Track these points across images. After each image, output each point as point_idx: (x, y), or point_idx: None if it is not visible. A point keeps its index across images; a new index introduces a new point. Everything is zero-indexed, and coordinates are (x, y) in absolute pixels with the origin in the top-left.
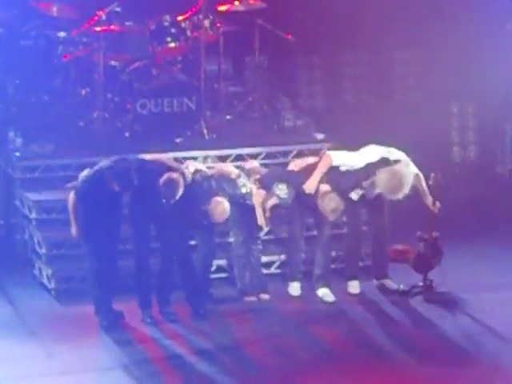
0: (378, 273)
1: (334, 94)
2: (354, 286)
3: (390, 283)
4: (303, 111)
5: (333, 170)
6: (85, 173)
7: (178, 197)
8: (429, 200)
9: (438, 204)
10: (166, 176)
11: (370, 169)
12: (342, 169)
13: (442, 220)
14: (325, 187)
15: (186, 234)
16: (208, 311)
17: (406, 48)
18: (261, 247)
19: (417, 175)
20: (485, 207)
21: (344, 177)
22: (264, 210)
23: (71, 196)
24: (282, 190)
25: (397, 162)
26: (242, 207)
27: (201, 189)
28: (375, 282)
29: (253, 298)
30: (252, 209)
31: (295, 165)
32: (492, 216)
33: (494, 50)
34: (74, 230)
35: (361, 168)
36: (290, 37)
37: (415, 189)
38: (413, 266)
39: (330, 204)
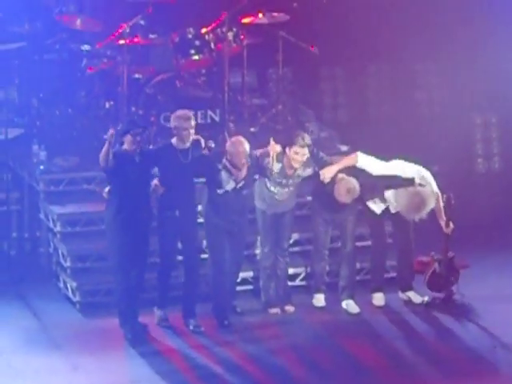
0: (403, 285)
1: (357, 105)
2: (378, 298)
3: (414, 295)
4: (327, 123)
5: (354, 169)
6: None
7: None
8: (443, 221)
9: (451, 225)
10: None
11: (393, 182)
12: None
13: (466, 231)
14: (341, 175)
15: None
16: (232, 323)
17: (429, 59)
18: (288, 259)
19: (437, 197)
20: (509, 218)
21: (363, 177)
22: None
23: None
24: None
25: (422, 185)
26: (272, 217)
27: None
28: (400, 294)
29: (277, 310)
30: (281, 217)
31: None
32: None
33: None
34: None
35: (383, 176)
36: (313, 49)
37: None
38: (427, 285)
39: (346, 184)
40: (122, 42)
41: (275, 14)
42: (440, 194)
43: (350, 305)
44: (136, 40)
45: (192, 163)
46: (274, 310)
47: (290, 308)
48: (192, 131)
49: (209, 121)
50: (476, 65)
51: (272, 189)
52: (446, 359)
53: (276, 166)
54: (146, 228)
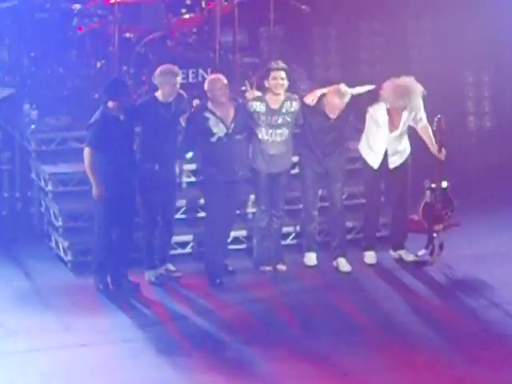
0: (396, 243)
1: (349, 64)
2: (370, 257)
3: (406, 253)
4: (319, 82)
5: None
6: (96, 117)
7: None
8: (434, 147)
9: (443, 151)
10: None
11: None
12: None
13: (458, 190)
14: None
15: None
16: (224, 282)
17: (421, 17)
18: (282, 220)
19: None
20: (501, 176)
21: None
22: None
23: (87, 152)
24: None
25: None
26: (267, 177)
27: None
28: (391, 252)
29: (269, 268)
30: (277, 177)
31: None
32: (509, 185)
33: (510, 19)
34: (97, 191)
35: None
36: (305, 7)
37: (422, 137)
38: (422, 216)
39: (336, 90)
40: (112, 0)
41: None
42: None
43: (341, 263)
44: None
45: (174, 117)
46: (267, 268)
47: (281, 267)
48: (177, 86)
49: (200, 79)
50: (469, 23)
51: (264, 137)
52: (437, 318)
53: (260, 107)
54: (131, 186)
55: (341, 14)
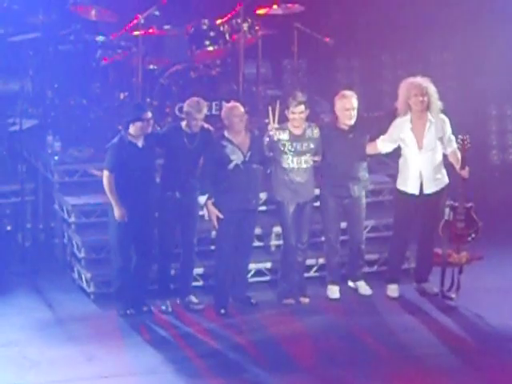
0: (420, 276)
1: (372, 96)
2: (393, 290)
3: (430, 286)
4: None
5: None
6: (114, 140)
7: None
8: (458, 164)
9: (467, 168)
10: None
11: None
12: None
13: (482, 223)
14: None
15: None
16: (247, 313)
17: (444, 50)
18: (306, 253)
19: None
20: None
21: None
22: None
23: (105, 175)
24: None
25: None
26: (294, 208)
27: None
28: (415, 285)
29: (291, 301)
30: (302, 209)
31: None
32: None
33: None
34: (118, 212)
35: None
36: (328, 40)
37: (452, 161)
38: (442, 234)
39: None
40: (136, 32)
41: (290, 5)
42: (454, 138)
43: (361, 286)
44: (151, 31)
45: (197, 149)
46: (289, 301)
47: (304, 299)
48: (201, 121)
49: (222, 111)
50: (493, 56)
51: (290, 164)
52: (460, 351)
53: (283, 135)
54: (149, 212)
55: (364, 46)
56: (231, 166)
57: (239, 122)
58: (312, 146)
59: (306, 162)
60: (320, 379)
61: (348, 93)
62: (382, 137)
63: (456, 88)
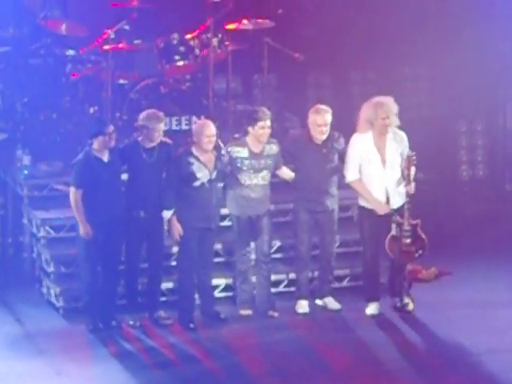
0: (394, 291)
1: (342, 112)
2: (372, 308)
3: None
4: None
5: None
6: (79, 156)
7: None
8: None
9: (412, 184)
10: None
11: None
12: None
13: (450, 238)
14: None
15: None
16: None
17: (414, 66)
18: (270, 266)
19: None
20: (494, 225)
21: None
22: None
23: (72, 192)
24: None
25: None
26: (247, 220)
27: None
28: (389, 299)
29: (248, 312)
30: (258, 221)
31: None
32: (501, 233)
33: (503, 69)
34: (84, 229)
35: None
36: (298, 56)
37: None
38: (387, 249)
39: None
40: (106, 47)
41: (260, 21)
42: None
43: (330, 301)
44: (121, 45)
45: (157, 163)
46: (246, 312)
47: (273, 313)
48: (161, 133)
49: (193, 126)
50: (462, 72)
51: (246, 181)
52: (429, 366)
53: (243, 152)
54: (116, 228)
55: (334, 63)
56: (197, 183)
57: (208, 143)
58: (270, 162)
59: (262, 178)
60: None
61: (322, 108)
62: (348, 174)
63: (426, 104)
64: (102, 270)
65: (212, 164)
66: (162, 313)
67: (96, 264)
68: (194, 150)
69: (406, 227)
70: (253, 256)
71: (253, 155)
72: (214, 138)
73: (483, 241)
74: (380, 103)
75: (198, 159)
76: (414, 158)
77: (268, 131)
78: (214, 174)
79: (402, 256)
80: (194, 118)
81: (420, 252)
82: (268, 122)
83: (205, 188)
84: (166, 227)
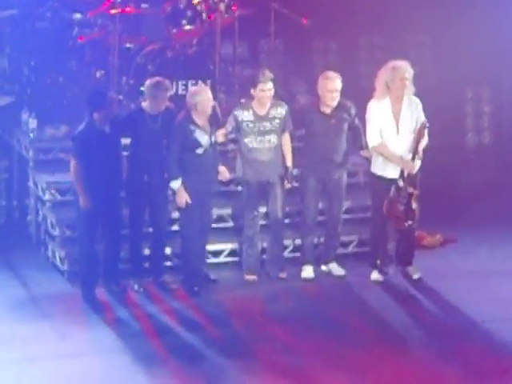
0: (403, 260)
1: (349, 78)
2: (376, 275)
3: (413, 270)
4: (318, 95)
5: None
6: (80, 128)
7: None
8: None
9: (416, 162)
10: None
11: None
12: None
13: (456, 206)
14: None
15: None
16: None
17: (421, 33)
18: (283, 232)
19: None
20: (500, 193)
21: None
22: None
23: (73, 164)
24: None
25: None
26: (257, 185)
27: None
28: (399, 268)
29: (253, 277)
30: (269, 188)
31: None
32: (507, 202)
33: (509, 35)
34: (83, 201)
35: None
36: (305, 21)
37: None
38: (385, 211)
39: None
40: (113, 11)
41: None
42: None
43: (334, 267)
44: (128, 9)
45: (162, 129)
46: (251, 277)
47: (282, 275)
48: (166, 100)
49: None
50: (469, 39)
51: (253, 144)
52: (435, 333)
53: (248, 115)
54: (116, 197)
55: (341, 28)
56: (200, 150)
57: (209, 107)
58: (277, 125)
59: (269, 141)
60: (280, 366)
61: (332, 74)
62: (371, 139)
63: (432, 70)
64: (104, 236)
65: (208, 128)
66: (167, 277)
67: (95, 236)
68: (195, 117)
69: (403, 194)
70: (261, 221)
71: (258, 118)
72: (211, 103)
73: (489, 209)
74: (397, 66)
75: (198, 126)
76: (425, 129)
77: (269, 93)
78: (213, 138)
79: (393, 220)
80: (201, 83)
81: (409, 222)
82: (268, 85)
83: (207, 153)
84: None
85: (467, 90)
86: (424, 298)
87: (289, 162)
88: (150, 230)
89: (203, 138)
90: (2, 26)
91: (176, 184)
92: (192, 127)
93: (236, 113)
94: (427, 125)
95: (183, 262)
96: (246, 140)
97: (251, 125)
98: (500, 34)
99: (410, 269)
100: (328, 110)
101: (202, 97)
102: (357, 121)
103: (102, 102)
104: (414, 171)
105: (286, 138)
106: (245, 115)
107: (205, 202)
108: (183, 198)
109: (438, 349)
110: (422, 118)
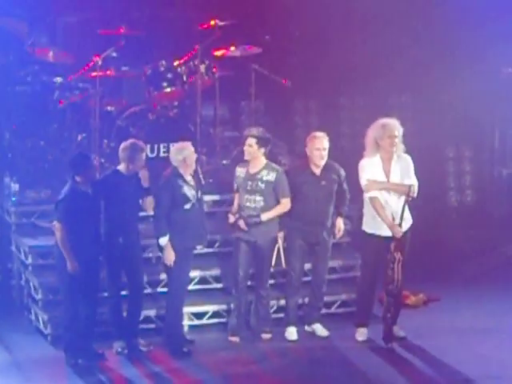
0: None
1: (330, 138)
2: (362, 334)
3: (397, 330)
4: (300, 156)
5: None
6: (65, 192)
7: None
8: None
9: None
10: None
11: None
12: None
13: (438, 264)
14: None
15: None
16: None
17: (402, 93)
18: (269, 292)
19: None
20: (482, 251)
21: None
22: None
23: (57, 226)
24: None
25: None
26: (246, 243)
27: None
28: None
29: (235, 339)
30: (258, 249)
31: None
32: (489, 260)
33: (490, 95)
34: (71, 265)
35: None
36: (286, 82)
37: None
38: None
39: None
40: (94, 74)
41: (247, 47)
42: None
43: (318, 328)
44: (108, 72)
45: (136, 190)
46: (234, 339)
47: (266, 336)
48: (142, 162)
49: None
50: (450, 98)
51: (244, 202)
52: None
53: (242, 172)
54: (96, 259)
55: (321, 89)
56: (188, 205)
57: (193, 161)
58: (263, 187)
59: (255, 201)
60: None
61: (319, 134)
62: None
63: (414, 130)
64: (82, 301)
65: (194, 183)
66: (140, 340)
67: (78, 297)
68: (182, 172)
69: (390, 258)
70: (247, 282)
71: (248, 176)
72: (196, 157)
73: (471, 267)
74: (386, 123)
75: (185, 181)
76: (411, 191)
77: (250, 149)
78: (199, 193)
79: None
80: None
81: (389, 287)
82: (249, 140)
83: (194, 208)
84: (151, 254)
85: (449, 150)
86: (408, 357)
87: (264, 216)
88: (125, 292)
89: (191, 193)
90: None
91: (164, 241)
92: (180, 182)
93: (236, 169)
94: (411, 190)
95: (170, 323)
96: (240, 197)
97: (242, 182)
98: (481, 94)
99: (394, 328)
100: (318, 171)
101: (189, 151)
102: (345, 185)
103: (84, 164)
104: (399, 235)
105: (283, 203)
106: (240, 172)
107: (191, 259)
108: (171, 256)
109: None
110: (412, 177)
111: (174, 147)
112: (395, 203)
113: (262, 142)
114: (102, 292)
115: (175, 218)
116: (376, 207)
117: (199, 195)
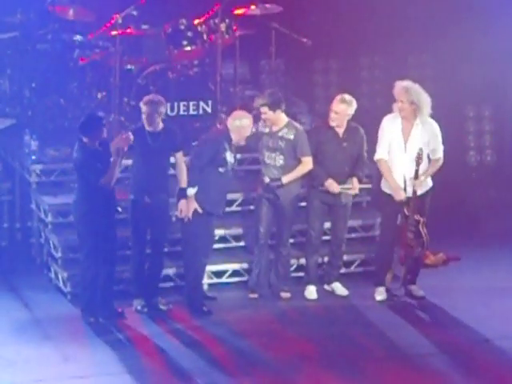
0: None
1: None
2: (381, 293)
3: (417, 289)
4: (319, 115)
5: None
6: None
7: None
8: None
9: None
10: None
11: None
12: None
13: (458, 224)
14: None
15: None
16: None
17: (422, 52)
18: (289, 251)
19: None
20: (501, 211)
21: None
22: None
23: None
24: None
25: None
26: (268, 200)
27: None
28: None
29: (254, 295)
30: (281, 208)
31: None
32: (508, 220)
33: (511, 53)
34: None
35: None
36: (306, 41)
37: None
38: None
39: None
40: (114, 32)
41: (268, 6)
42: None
43: (337, 287)
44: (128, 31)
45: (162, 148)
46: (253, 295)
47: (286, 294)
48: (161, 116)
49: (201, 112)
50: (471, 57)
51: (266, 160)
52: (439, 351)
53: (266, 129)
54: (112, 218)
55: (342, 48)
56: (223, 170)
57: (245, 135)
58: (282, 145)
59: (274, 159)
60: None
61: (341, 97)
62: (377, 152)
63: (433, 89)
64: (101, 259)
65: (235, 152)
66: (160, 299)
67: (97, 255)
68: (233, 137)
69: (411, 221)
70: (268, 240)
71: (270, 134)
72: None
73: (491, 227)
74: (395, 87)
75: (230, 146)
76: (420, 156)
77: (265, 116)
78: (236, 163)
79: (404, 248)
80: (202, 104)
81: (419, 250)
82: (262, 110)
83: (227, 174)
84: (177, 212)
85: (468, 109)
86: (427, 317)
87: (285, 179)
88: (148, 251)
89: (231, 158)
90: (3, 48)
91: (191, 191)
92: (226, 146)
93: (260, 123)
94: (421, 152)
95: (190, 282)
96: (262, 154)
97: (265, 139)
98: (501, 52)
99: (413, 287)
100: (340, 132)
101: (248, 121)
102: (365, 148)
103: (90, 126)
104: (400, 198)
105: (304, 162)
106: (265, 128)
107: (210, 223)
108: (192, 207)
109: (441, 367)
110: (432, 146)
111: (236, 112)
112: (409, 166)
113: (273, 105)
114: (125, 250)
115: (207, 177)
116: (382, 169)
117: (235, 165)
